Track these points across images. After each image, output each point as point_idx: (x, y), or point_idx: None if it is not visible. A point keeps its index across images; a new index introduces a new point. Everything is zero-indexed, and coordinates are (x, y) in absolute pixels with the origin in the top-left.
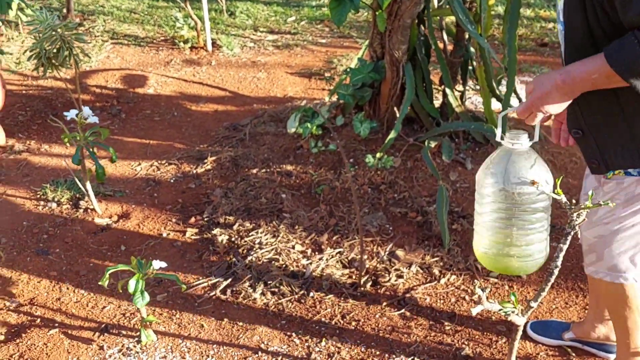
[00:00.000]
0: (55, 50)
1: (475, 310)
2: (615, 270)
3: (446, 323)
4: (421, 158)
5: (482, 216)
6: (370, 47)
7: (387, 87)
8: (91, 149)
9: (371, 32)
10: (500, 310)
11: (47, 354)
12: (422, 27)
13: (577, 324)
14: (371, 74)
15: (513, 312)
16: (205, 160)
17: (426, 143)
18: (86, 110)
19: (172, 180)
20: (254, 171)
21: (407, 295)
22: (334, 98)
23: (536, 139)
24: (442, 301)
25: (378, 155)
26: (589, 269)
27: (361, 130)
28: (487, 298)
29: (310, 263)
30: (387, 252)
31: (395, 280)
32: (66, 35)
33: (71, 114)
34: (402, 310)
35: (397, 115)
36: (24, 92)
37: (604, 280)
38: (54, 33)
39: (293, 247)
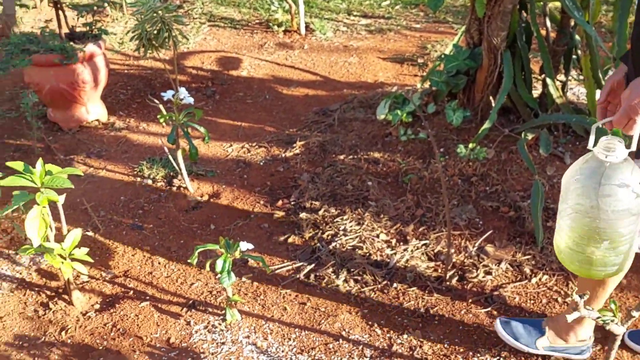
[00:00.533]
0: (155, 32)
1: (571, 317)
2: None
3: None
4: (516, 150)
5: (565, 220)
6: (467, 33)
7: (483, 75)
8: (186, 129)
9: (469, 18)
10: (598, 318)
11: (138, 325)
12: (524, 13)
13: None
14: (467, 61)
15: (612, 321)
16: (294, 145)
17: (523, 135)
18: (182, 91)
19: (261, 163)
20: (341, 157)
21: (495, 293)
22: (426, 85)
23: (633, 148)
24: (532, 301)
25: (470, 145)
26: None
27: (454, 119)
28: (584, 304)
29: (395, 253)
30: (475, 247)
31: (483, 277)
32: (166, 17)
33: (168, 94)
34: (489, 309)
35: (493, 104)
36: (125, 71)
37: None
38: (155, 15)
39: (377, 236)
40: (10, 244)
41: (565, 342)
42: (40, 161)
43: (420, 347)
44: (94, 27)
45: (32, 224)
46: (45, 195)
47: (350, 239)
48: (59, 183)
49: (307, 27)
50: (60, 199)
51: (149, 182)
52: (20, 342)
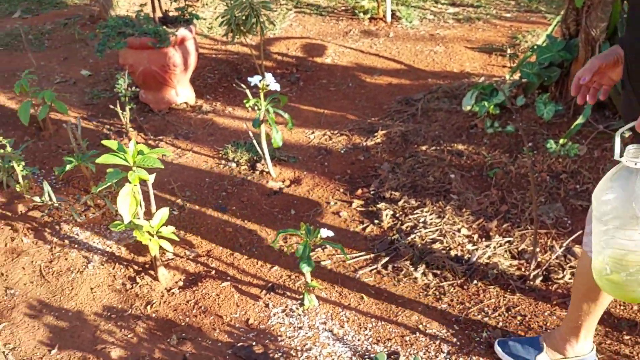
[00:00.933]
0: (244, 17)
1: None
2: None
3: (624, 332)
4: (611, 148)
5: (604, 239)
6: (562, 24)
7: (578, 68)
8: (270, 115)
9: (565, 7)
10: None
11: (218, 304)
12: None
13: None
14: (561, 53)
15: None
16: (376, 134)
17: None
18: (269, 77)
19: (342, 151)
20: (424, 148)
21: None
22: (516, 76)
23: None
24: (622, 307)
25: (561, 141)
26: None
27: (544, 113)
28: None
29: (476, 249)
30: (562, 247)
31: (570, 278)
32: (254, 4)
33: (255, 80)
34: None
35: None
36: (213, 56)
37: None
38: (244, 1)
39: (459, 231)
40: (102, 219)
41: (564, 357)
42: (133, 141)
43: None
44: (185, 12)
45: (123, 201)
46: (137, 174)
47: (430, 232)
48: (150, 163)
49: (393, 14)
50: (151, 178)
51: (233, 165)
52: (109, 313)
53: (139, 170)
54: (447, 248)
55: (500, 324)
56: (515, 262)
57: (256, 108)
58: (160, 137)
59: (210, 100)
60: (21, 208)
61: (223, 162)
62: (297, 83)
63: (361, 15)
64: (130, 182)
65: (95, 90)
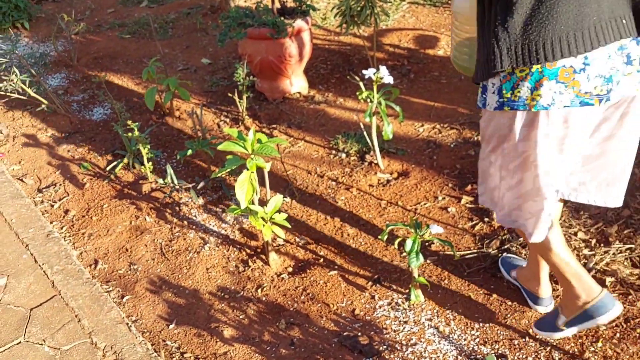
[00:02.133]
0: (359, 9)
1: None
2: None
3: None
4: None
5: None
6: None
7: None
8: (382, 107)
9: None
10: None
11: (326, 292)
12: None
13: None
14: None
15: None
16: None
17: None
18: (383, 70)
19: (452, 145)
20: None
21: None
22: None
23: None
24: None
25: None
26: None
27: None
28: None
29: (594, 254)
30: None
31: None
32: None
33: (369, 72)
34: None
35: None
36: (326, 46)
37: None
38: None
39: (575, 234)
40: (218, 202)
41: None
42: (252, 130)
43: (617, 357)
44: (303, 3)
45: (241, 187)
46: (255, 161)
47: None
48: (267, 151)
49: None
50: (267, 166)
51: (343, 155)
52: (222, 294)
53: (256, 158)
54: None
55: (618, 334)
56: (637, 271)
57: (369, 100)
58: (274, 126)
59: (323, 91)
60: (145, 188)
61: (333, 152)
62: (408, 75)
63: None
64: (248, 169)
65: (215, 78)
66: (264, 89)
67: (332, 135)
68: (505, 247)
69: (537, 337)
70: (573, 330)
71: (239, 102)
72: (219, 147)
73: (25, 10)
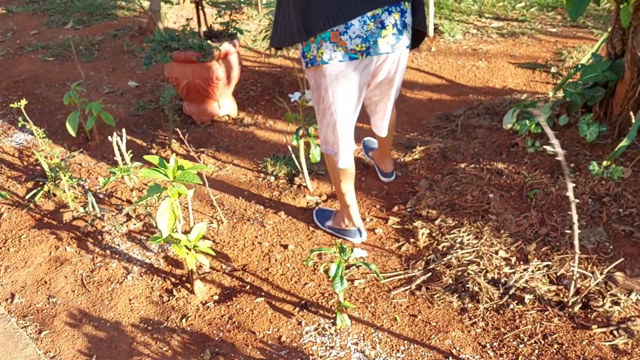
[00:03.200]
0: None
1: None
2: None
3: None
4: None
5: None
6: (608, 43)
7: (623, 89)
8: (310, 130)
9: (612, 27)
10: None
11: (252, 320)
12: None
13: None
14: (606, 73)
15: None
16: (414, 149)
17: None
18: (308, 93)
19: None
20: (462, 165)
21: (623, 325)
22: (559, 95)
23: None
24: None
25: (605, 163)
26: None
27: (587, 134)
28: None
29: (514, 272)
30: (603, 274)
31: (610, 307)
32: None
33: (295, 96)
34: (615, 342)
35: (633, 120)
36: (256, 68)
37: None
38: None
39: (496, 253)
40: (143, 230)
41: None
42: (173, 157)
43: None
44: (230, 27)
45: (162, 216)
46: (176, 189)
47: (467, 252)
48: (189, 178)
49: (435, 28)
50: (190, 193)
51: (272, 178)
52: (145, 325)
53: (178, 186)
54: (484, 270)
55: (536, 351)
56: (554, 288)
57: (296, 123)
58: (202, 149)
59: (252, 113)
60: (66, 217)
61: (262, 175)
62: None
63: None
64: (169, 197)
65: (142, 102)
66: (191, 112)
67: (261, 158)
68: (430, 267)
69: (460, 356)
70: (332, 232)
71: (166, 125)
72: (140, 175)
73: None
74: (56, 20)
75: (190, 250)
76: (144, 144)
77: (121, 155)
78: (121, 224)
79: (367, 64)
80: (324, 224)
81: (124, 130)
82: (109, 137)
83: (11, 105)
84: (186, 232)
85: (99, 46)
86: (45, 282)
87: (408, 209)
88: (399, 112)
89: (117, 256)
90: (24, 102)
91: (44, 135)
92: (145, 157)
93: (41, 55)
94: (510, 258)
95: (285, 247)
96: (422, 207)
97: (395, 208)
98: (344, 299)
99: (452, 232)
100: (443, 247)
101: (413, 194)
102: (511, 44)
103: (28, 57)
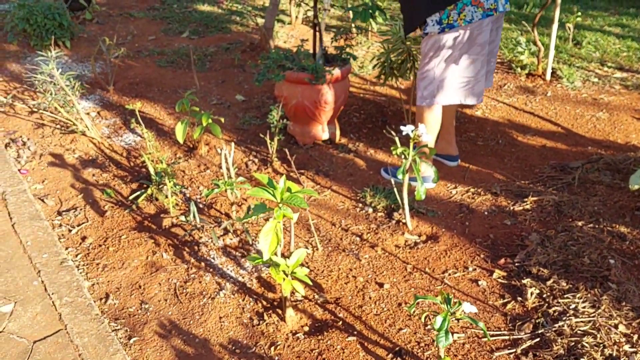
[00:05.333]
0: (399, 62)
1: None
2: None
3: None
4: None
5: None
6: None
7: None
8: (417, 166)
9: None
10: None
11: (342, 359)
12: None
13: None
14: None
15: None
16: (525, 199)
17: None
18: (422, 128)
19: (485, 212)
20: (579, 223)
21: None
22: None
23: None
24: None
25: None
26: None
27: None
28: None
29: (636, 352)
30: None
31: None
32: (413, 49)
33: (407, 129)
34: None
35: None
36: (361, 95)
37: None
38: (403, 46)
39: (616, 327)
40: (238, 246)
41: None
42: (283, 179)
43: None
44: (344, 52)
45: (266, 237)
46: (283, 211)
47: (582, 322)
48: (297, 202)
49: (553, 73)
50: (294, 217)
51: (370, 210)
52: (234, 347)
53: (284, 208)
54: (601, 345)
55: None
56: None
57: (403, 157)
58: (302, 171)
59: (354, 140)
60: (166, 223)
61: (360, 205)
62: None
63: (518, 70)
64: (274, 218)
65: (247, 116)
66: (295, 132)
67: (360, 187)
68: (539, 331)
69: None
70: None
71: (270, 143)
72: (248, 193)
73: (68, 29)
74: (173, 28)
75: (287, 275)
76: (245, 158)
77: (227, 168)
78: (218, 237)
79: (495, 19)
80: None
81: (232, 144)
82: (217, 149)
83: (126, 106)
84: (284, 256)
85: (211, 57)
86: (140, 287)
87: (516, 264)
88: (510, 157)
89: (211, 270)
90: (138, 104)
91: (153, 139)
92: (255, 174)
93: (157, 60)
94: (632, 335)
95: (381, 285)
96: (532, 263)
97: (502, 260)
98: (444, 356)
99: (565, 296)
100: (554, 311)
101: (522, 247)
102: (636, 97)
103: (144, 61)
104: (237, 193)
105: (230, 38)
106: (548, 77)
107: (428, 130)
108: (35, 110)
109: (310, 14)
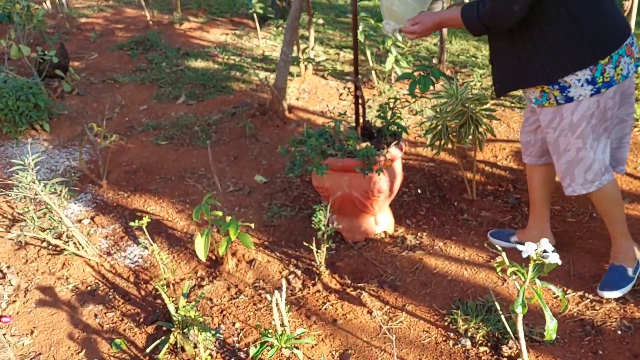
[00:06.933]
0: (458, 127)
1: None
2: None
3: None
4: None
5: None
6: None
7: None
8: (538, 291)
9: None
10: None
11: None
12: None
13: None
14: None
15: None
16: None
17: None
18: (544, 243)
19: (618, 331)
20: None
21: None
22: None
23: None
24: None
25: None
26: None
27: None
28: None
29: None
30: None
31: None
32: (475, 111)
33: (529, 249)
34: None
35: None
36: (403, 161)
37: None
38: (462, 109)
39: None
40: None
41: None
42: None
43: None
44: (391, 123)
45: None
46: None
47: None
48: None
49: None
50: None
51: (467, 343)
52: None
53: None
54: None
55: None
56: None
57: (514, 275)
58: (361, 285)
59: (413, 229)
60: None
61: (451, 335)
62: (518, 207)
63: None
64: None
65: (275, 206)
66: (341, 228)
67: (442, 303)
68: None
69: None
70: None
71: (317, 252)
72: None
73: (45, 109)
74: (166, 93)
75: None
76: (284, 270)
77: (281, 318)
78: None
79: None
80: (509, 239)
81: (284, 281)
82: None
83: (131, 223)
84: None
85: (216, 127)
86: None
87: None
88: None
89: None
90: (145, 220)
91: (165, 257)
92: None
93: (153, 137)
94: None
95: None
96: None
97: None
98: None
99: None
100: None
101: None
102: None
103: (139, 139)
104: (298, 354)
105: (234, 100)
106: None
107: (617, 212)
108: (13, 233)
109: (322, 59)
